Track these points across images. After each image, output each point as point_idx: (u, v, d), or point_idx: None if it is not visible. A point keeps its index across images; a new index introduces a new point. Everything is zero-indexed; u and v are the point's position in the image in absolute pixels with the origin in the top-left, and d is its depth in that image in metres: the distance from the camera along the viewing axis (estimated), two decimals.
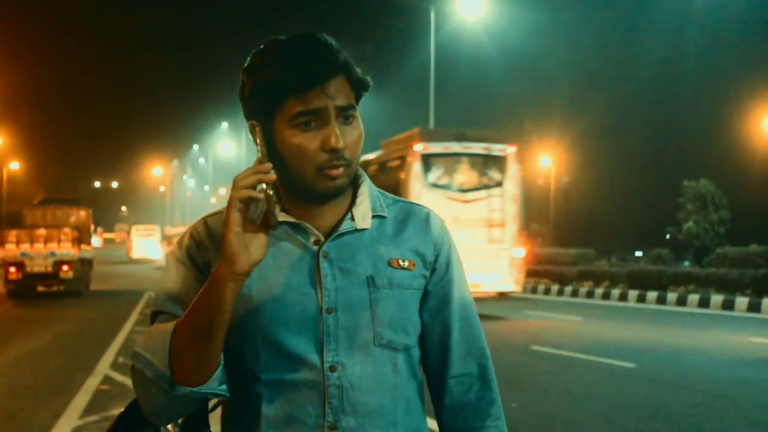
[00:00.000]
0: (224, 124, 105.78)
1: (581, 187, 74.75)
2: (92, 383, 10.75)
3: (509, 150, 19.76)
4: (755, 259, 30.10)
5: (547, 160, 66.75)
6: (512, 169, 19.55)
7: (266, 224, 1.69)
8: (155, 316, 1.82)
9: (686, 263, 41.25)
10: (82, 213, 29.76)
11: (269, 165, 1.67)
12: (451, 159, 19.45)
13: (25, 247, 26.41)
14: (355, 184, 1.86)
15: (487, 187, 19.42)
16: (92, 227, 31.09)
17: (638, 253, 59.84)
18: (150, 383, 1.76)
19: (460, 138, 19.85)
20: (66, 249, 26.66)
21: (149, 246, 70.13)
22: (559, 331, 17.59)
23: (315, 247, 1.79)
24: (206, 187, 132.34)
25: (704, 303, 24.25)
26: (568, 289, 29.85)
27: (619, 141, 74.21)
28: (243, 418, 1.82)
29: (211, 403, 2.68)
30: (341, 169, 1.73)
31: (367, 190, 1.86)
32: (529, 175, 74.52)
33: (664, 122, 74.74)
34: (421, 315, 1.85)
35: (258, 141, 1.74)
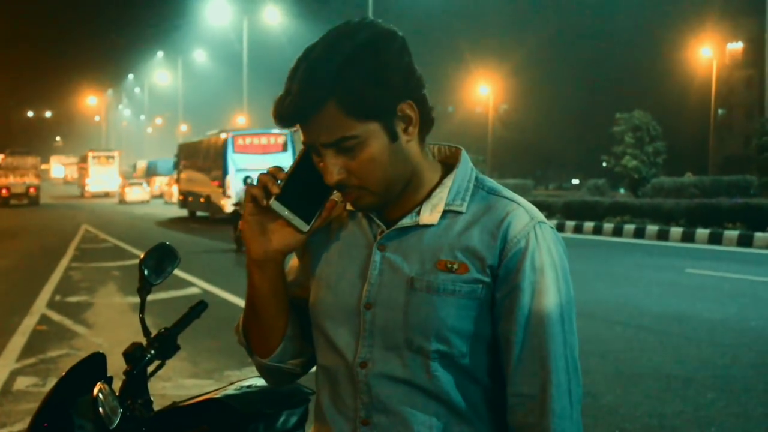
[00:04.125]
0: (160, 53, 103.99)
1: (519, 115, 75.10)
2: (29, 323, 10.62)
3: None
4: (689, 189, 30.64)
5: (486, 89, 66.64)
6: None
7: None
8: None
9: (621, 190, 41.85)
10: (36, 159, 52.37)
11: (282, 174, 1.74)
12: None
13: (10, 178, 49.65)
14: (448, 171, 1.76)
15: None
16: (39, 166, 54.19)
17: (575, 181, 60.53)
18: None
19: None
20: (32, 179, 50.65)
21: (59, 170, 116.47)
22: None
23: (375, 239, 1.76)
24: (142, 117, 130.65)
25: (640, 233, 24.67)
26: None
27: (557, 70, 74.49)
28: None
29: (150, 369, 2.67)
30: (353, 195, 1.68)
31: (452, 180, 1.73)
32: (467, 103, 74.72)
33: (601, 52, 75.06)
34: (492, 323, 1.69)
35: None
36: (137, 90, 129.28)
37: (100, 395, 2.41)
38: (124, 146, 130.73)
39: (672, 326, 10.26)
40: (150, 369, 2.67)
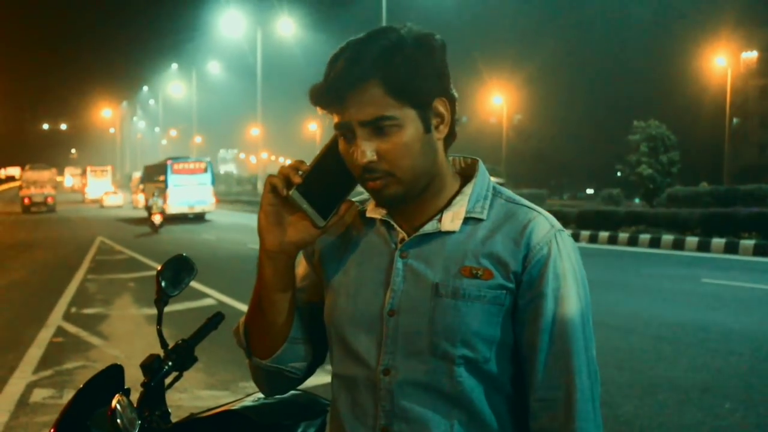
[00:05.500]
0: (174, 65, 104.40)
1: (533, 125, 75.00)
2: (45, 335, 10.63)
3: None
4: (704, 198, 30.50)
5: (500, 99, 66.61)
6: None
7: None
8: None
9: (636, 200, 41.72)
10: (52, 171, 60.71)
11: (305, 166, 1.73)
12: None
13: (32, 189, 57.85)
14: (466, 181, 1.79)
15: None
16: (56, 178, 62.60)
17: (589, 191, 60.39)
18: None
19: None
20: (50, 190, 58.60)
21: (70, 180, 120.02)
22: None
23: (396, 246, 1.76)
24: (157, 129, 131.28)
25: (655, 243, 24.57)
26: None
27: (571, 80, 74.38)
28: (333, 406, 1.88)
29: (168, 380, 2.67)
30: (378, 182, 1.67)
31: (471, 188, 1.76)
32: (482, 113, 74.71)
33: (615, 62, 75.00)
34: (514, 329, 1.70)
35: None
36: (152, 102, 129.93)
37: (118, 407, 2.41)
38: (138, 158, 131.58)
39: (688, 336, 10.22)
40: (167, 380, 2.67)
